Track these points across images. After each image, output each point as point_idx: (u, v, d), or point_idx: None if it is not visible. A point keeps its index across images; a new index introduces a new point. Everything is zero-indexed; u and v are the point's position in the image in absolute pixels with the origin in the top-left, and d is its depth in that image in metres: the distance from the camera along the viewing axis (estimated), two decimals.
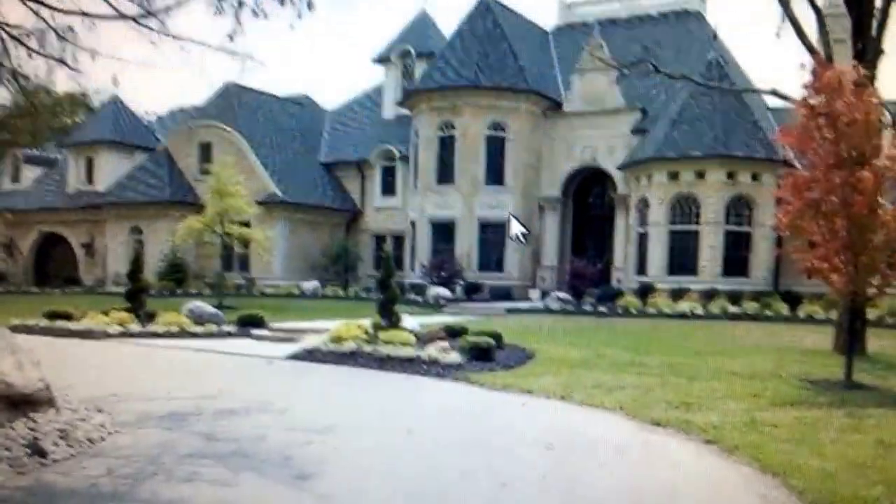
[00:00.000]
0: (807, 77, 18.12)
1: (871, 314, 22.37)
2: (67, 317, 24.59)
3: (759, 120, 35.06)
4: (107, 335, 22.74)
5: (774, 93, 23.55)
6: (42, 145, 53.83)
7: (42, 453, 9.28)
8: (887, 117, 20.90)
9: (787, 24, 22.69)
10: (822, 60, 20.11)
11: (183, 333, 23.35)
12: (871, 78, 19.18)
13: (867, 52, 21.16)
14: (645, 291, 32.85)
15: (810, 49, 22.08)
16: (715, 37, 40.21)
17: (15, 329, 23.45)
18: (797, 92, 19.27)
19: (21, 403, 10.77)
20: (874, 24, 21.54)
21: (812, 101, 16.33)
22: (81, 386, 13.43)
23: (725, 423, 11.63)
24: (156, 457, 9.45)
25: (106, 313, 24.53)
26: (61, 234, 46.78)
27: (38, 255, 48.01)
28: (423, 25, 48.94)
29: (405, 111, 43.05)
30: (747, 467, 9.52)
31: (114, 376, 15.76)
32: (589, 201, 41.30)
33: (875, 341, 20.79)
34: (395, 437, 11.16)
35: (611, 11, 44.86)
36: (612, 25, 43.20)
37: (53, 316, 24.75)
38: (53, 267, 47.36)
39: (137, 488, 8.26)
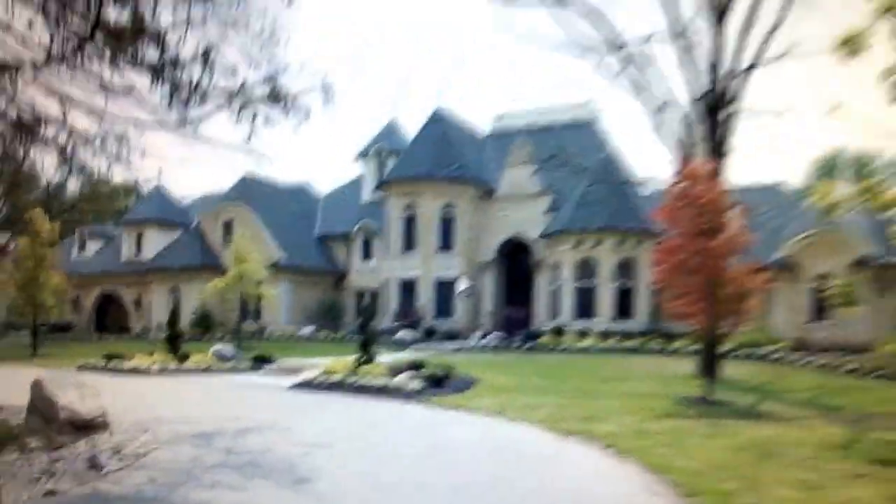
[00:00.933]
0: (674, 169, 18.44)
1: (725, 347, 22.51)
2: (120, 358, 24.25)
3: (639, 201, 35.38)
4: (151, 372, 22.44)
5: (650, 181, 23.88)
6: (102, 224, 53.40)
7: (99, 467, 9.13)
8: (733, 199, 21.23)
9: (659, 131, 23.03)
10: (685, 157, 20.46)
11: (210, 370, 23.11)
12: (721, 169, 19.49)
13: (717, 150, 21.52)
14: (559, 332, 32.83)
15: (676, 148, 22.41)
16: (606, 141, 40.69)
17: (80, 368, 23.13)
18: (667, 181, 19.56)
19: (83, 427, 10.63)
20: (722, 130, 21.94)
21: (678, 187, 16.60)
22: (130, 412, 13.23)
23: (620, 433, 11.65)
24: (187, 468, 9.32)
25: (150, 354, 24.24)
26: (116, 292, 46.28)
27: (98, 309, 47.40)
28: (393, 129, 49.14)
29: (380, 195, 43.08)
30: (637, 466, 9.53)
31: (156, 404, 15.53)
32: (516, 263, 41.37)
33: (728, 368, 20.90)
34: (372, 447, 11.09)
35: (530, 122, 45.14)
36: (530, 132, 43.48)
37: (109, 357, 24.40)
38: (110, 318, 46.77)
39: (173, 493, 8.14)
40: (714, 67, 22.20)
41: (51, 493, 8.12)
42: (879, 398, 16.96)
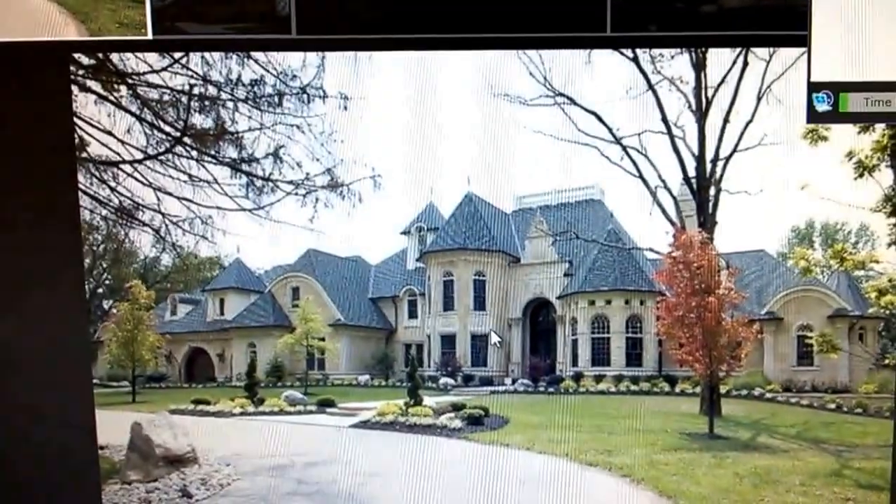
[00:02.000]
0: (670, 239, 18.36)
1: (723, 389, 21.96)
2: (206, 402, 24.16)
3: (642, 266, 35.02)
4: (232, 414, 22.33)
5: (651, 249, 23.75)
6: (191, 291, 53.84)
7: (189, 495, 9.08)
8: (723, 263, 21.07)
9: (656, 207, 22.98)
10: (679, 228, 20.34)
11: (282, 412, 22.90)
12: (710, 238, 19.33)
13: (706, 222, 21.39)
14: (578, 377, 32.31)
15: (671, 221, 22.32)
16: (612, 215, 40.65)
17: (172, 411, 23.03)
18: (665, 248, 19.45)
19: (175, 461, 10.60)
20: (709, 206, 21.88)
21: (674, 254, 16.50)
22: (215, 449, 13.16)
23: (634, 463, 11.39)
24: (265, 496, 9.22)
25: (232, 400, 24.13)
26: (203, 347, 46.32)
27: (187, 362, 47.47)
28: (431, 210, 49.24)
29: (421, 264, 43.02)
30: (651, 492, 9.31)
31: (237, 442, 15.41)
32: (539, 319, 40.95)
33: (726, 407, 20.39)
34: (422, 478, 10.92)
35: (546, 200, 44.99)
36: (547, 209, 43.30)
37: (197, 402, 24.30)
38: (197, 370, 46.76)
39: None
40: (700, 155, 22.29)
41: None
42: (859, 432, 16.45)
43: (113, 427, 15.02)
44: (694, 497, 8.64)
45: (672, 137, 23.08)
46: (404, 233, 54.57)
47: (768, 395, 25.45)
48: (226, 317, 49.85)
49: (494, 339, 38.67)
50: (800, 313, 30.81)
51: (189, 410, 24.31)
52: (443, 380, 34.92)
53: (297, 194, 11.19)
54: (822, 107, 6.47)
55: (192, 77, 10.00)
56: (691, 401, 23.07)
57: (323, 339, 33.84)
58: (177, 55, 9.61)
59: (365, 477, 10.67)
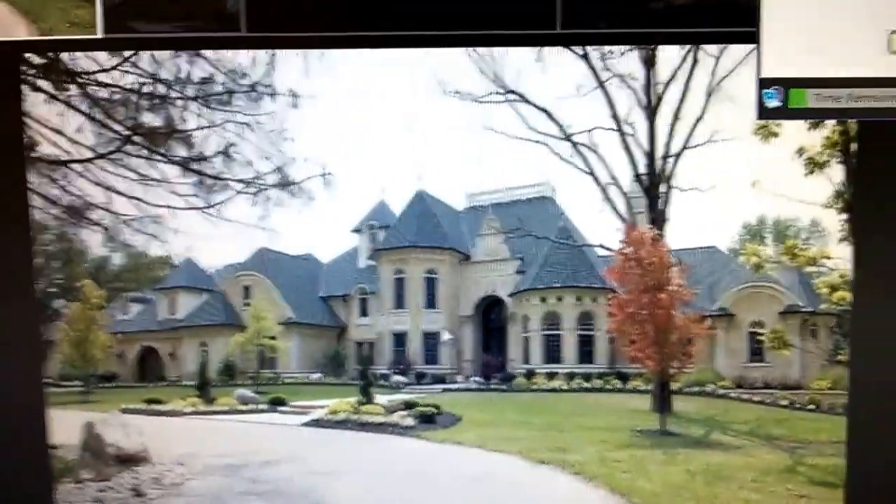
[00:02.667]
0: (621, 235, 18.53)
1: (674, 385, 22.30)
2: (158, 402, 23.78)
3: (594, 263, 35.32)
4: (184, 413, 22.01)
5: (602, 246, 24.03)
6: (142, 290, 52.87)
7: (141, 494, 8.99)
8: (674, 259, 21.37)
9: (607, 204, 23.20)
10: (630, 225, 20.56)
11: (234, 411, 22.61)
12: (662, 235, 19.58)
13: (657, 219, 21.64)
14: (530, 374, 32.47)
15: (622, 218, 22.55)
16: (563, 213, 40.94)
17: (124, 411, 22.62)
18: (616, 245, 19.63)
19: (127, 460, 10.47)
20: (661, 202, 22.16)
21: (626, 251, 16.63)
22: (168, 447, 12.94)
23: (586, 461, 11.47)
24: (218, 495, 9.13)
25: (184, 399, 23.77)
26: (155, 347, 45.58)
27: (139, 361, 46.63)
28: (382, 208, 49.09)
29: (373, 262, 42.86)
30: (603, 490, 9.39)
31: (189, 441, 15.18)
32: (491, 317, 41.08)
33: (678, 404, 20.67)
34: (373, 476, 10.90)
35: (497, 198, 45.08)
36: (498, 206, 43.43)
37: (149, 401, 23.90)
38: (149, 369, 45.99)
39: None
40: (650, 152, 22.55)
41: None
42: (812, 428, 16.79)
43: (65, 427, 14.67)
44: (646, 494, 8.75)
45: (622, 134, 23.25)
46: (356, 231, 54.15)
47: (720, 392, 25.86)
48: (177, 316, 49.10)
49: (446, 336, 38.69)
50: (751, 310, 31.38)
51: (141, 410, 23.84)
52: (395, 378, 34.82)
53: (247, 193, 11.15)
54: (772, 103, 6.57)
55: (141, 75, 9.87)
56: (643, 398, 23.34)
57: (274, 338, 33.52)
58: (126, 54, 9.44)
59: (318, 476, 10.61)
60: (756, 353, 31.48)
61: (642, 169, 23.04)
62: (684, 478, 10.00)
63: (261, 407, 23.91)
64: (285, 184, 11.21)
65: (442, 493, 9.40)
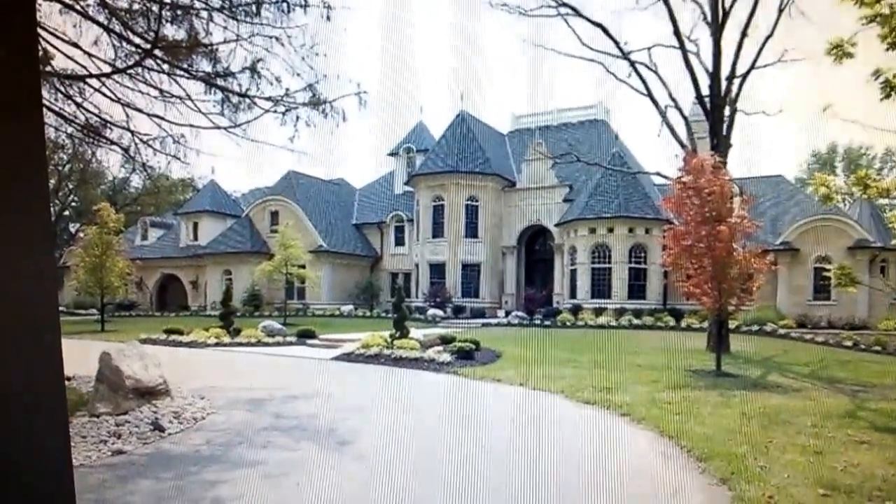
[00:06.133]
0: (680, 163, 18.18)
1: (732, 324, 22.21)
2: (179, 332, 24.30)
3: (649, 192, 34.99)
4: (206, 345, 22.47)
5: (658, 174, 23.62)
6: (162, 214, 53.71)
7: (161, 429, 9.10)
8: (735, 189, 20.97)
9: (665, 128, 22.74)
10: (690, 151, 20.14)
11: (259, 343, 23.07)
12: (724, 162, 19.17)
13: (719, 145, 21.21)
14: (576, 310, 32.58)
15: (681, 144, 22.11)
16: (616, 137, 40.26)
17: (143, 341, 23.18)
18: (674, 173, 19.31)
19: (146, 393, 10.60)
20: (723, 127, 21.66)
21: (684, 179, 16.33)
22: (189, 380, 13.20)
23: (634, 402, 11.43)
24: (241, 430, 9.25)
25: (206, 330, 24.27)
26: (176, 274, 46.44)
27: (159, 289, 47.63)
28: (420, 130, 48.91)
29: (410, 188, 42.95)
30: (651, 432, 9.33)
31: (212, 374, 15.51)
32: (536, 248, 41.07)
33: (735, 343, 20.62)
34: (407, 414, 10.98)
35: (545, 121, 44.78)
36: (547, 130, 43.20)
37: (170, 332, 24.46)
38: (170, 298, 46.98)
39: (228, 452, 8.08)
40: (714, 72, 21.90)
41: (118, 452, 8.08)
42: (877, 371, 16.65)
43: (80, 357, 15.04)
44: (697, 437, 8.67)
45: (685, 52, 22.73)
46: (392, 154, 54.18)
47: (781, 331, 25.84)
48: (200, 242, 49.88)
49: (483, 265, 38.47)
50: (818, 244, 31.02)
51: (161, 340, 24.56)
52: (431, 311, 35.23)
53: (276, 112, 10.99)
54: None
55: None
56: (698, 336, 23.35)
57: (303, 267, 34.01)
58: None
59: (346, 412, 10.71)
60: (820, 290, 31.15)
61: (705, 90, 22.55)
62: (739, 421, 9.92)
63: (288, 339, 24.38)
64: (316, 103, 11.03)
65: (477, 434, 9.43)
